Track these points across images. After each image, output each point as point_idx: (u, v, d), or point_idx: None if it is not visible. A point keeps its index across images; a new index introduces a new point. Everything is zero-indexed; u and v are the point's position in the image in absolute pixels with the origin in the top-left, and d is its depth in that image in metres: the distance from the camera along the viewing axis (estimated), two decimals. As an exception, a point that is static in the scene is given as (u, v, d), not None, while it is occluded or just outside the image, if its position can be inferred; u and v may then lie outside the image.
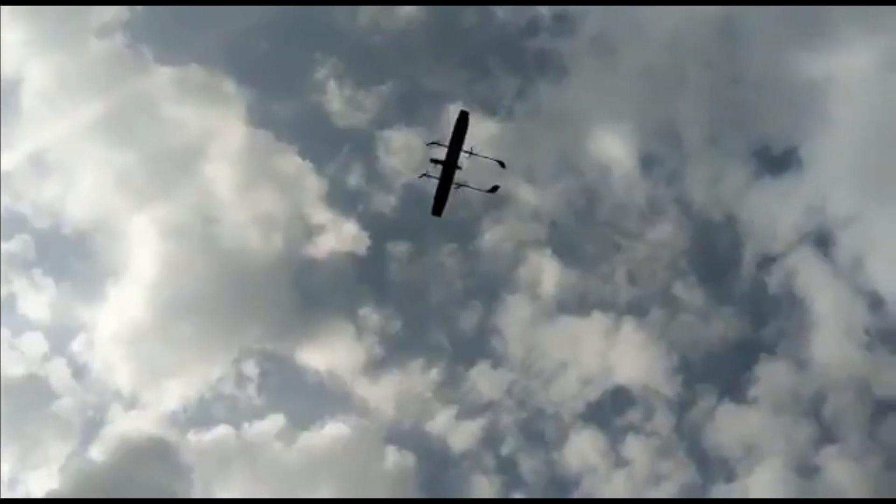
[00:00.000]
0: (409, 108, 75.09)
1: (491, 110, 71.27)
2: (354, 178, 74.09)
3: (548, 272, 73.35)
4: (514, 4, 74.45)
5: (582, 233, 75.34)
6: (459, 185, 53.21)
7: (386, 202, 73.65)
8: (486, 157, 52.91)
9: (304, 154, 73.83)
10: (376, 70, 75.72)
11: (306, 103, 75.69)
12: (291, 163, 73.98)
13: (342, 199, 73.61)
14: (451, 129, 52.63)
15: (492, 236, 74.22)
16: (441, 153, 53.03)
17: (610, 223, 74.52)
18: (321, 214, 73.13)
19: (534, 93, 76.14)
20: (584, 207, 74.64)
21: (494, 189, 54.58)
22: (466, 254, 73.94)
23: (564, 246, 74.04)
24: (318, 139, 75.22)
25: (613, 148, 74.80)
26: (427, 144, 53.25)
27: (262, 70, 75.28)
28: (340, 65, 75.08)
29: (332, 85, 74.79)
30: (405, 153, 71.46)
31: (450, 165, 52.95)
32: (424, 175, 53.75)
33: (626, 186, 74.62)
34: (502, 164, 53.39)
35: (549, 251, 73.68)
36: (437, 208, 54.64)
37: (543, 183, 74.22)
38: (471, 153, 52.69)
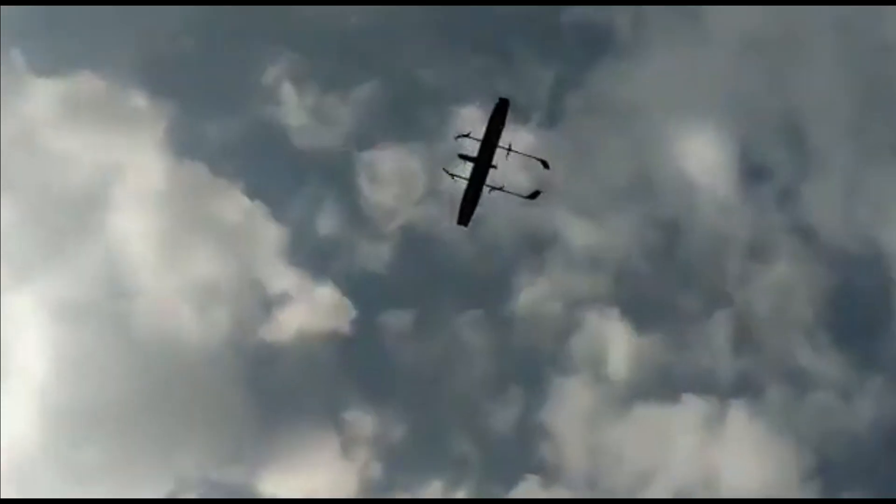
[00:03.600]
0: (401, 117, 66.90)
1: (523, 114, 60.47)
2: (328, 223, 65.34)
3: (615, 342, 64.24)
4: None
5: (661, 284, 66.40)
6: (493, 189, 51.29)
7: (376, 254, 64.68)
8: (527, 155, 51.14)
9: (252, 192, 64.91)
10: (352, 65, 67.13)
11: (252, 119, 66.51)
12: (236, 206, 65.38)
13: (312, 254, 65.03)
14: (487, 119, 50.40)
15: (532, 294, 64.98)
16: (473, 149, 50.83)
17: (702, 267, 66.45)
18: (282, 278, 64.32)
19: (583, 83, 67.99)
20: (664, 246, 66.24)
21: (536, 195, 52.53)
22: (497, 322, 64.66)
23: (637, 303, 65.24)
24: (273, 169, 66.51)
25: (704, 157, 66.57)
26: (455, 138, 50.88)
27: (187, 76, 66.32)
28: (301, 61, 66.55)
29: (287, 90, 66.35)
30: (398, 182, 64.83)
31: (482, 164, 50.68)
32: (449, 174, 51.48)
33: (722, 212, 66.25)
34: (545, 164, 51.68)
35: (615, 311, 64.70)
36: (464, 216, 52.56)
37: (602, 214, 66.41)
38: (509, 150, 50.34)
